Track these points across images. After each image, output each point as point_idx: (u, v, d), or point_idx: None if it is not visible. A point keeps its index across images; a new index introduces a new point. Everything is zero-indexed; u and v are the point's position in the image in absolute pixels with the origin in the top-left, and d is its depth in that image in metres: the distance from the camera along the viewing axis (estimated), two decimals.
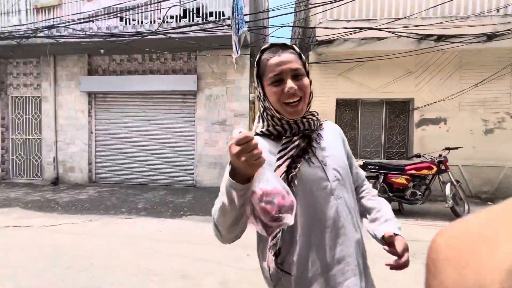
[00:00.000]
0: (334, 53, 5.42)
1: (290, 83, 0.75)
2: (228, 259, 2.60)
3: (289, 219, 0.61)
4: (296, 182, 0.74)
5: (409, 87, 5.41)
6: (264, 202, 0.60)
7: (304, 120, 0.79)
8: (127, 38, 5.17)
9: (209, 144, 5.84)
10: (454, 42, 4.71)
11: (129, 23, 5.48)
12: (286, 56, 0.76)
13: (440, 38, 4.69)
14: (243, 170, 0.61)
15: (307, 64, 0.81)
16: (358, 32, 4.70)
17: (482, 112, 5.27)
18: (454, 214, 3.90)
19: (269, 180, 0.62)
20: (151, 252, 2.73)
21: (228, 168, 0.65)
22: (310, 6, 5.42)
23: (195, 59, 5.91)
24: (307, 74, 0.80)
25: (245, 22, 4.42)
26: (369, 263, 0.83)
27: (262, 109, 0.84)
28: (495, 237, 0.19)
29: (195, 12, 5.34)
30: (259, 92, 0.82)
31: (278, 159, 0.75)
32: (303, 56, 0.81)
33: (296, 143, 0.77)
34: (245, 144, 0.60)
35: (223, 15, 5.24)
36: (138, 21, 5.43)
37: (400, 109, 5.62)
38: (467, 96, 5.24)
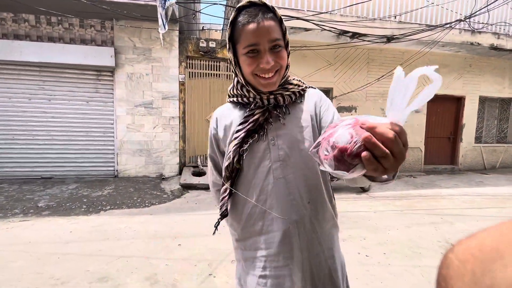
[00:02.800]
0: None
1: (267, 58, 0.69)
2: (156, 252, 2.43)
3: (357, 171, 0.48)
4: (244, 157, 0.77)
5: (329, 78, 6.04)
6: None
7: (271, 96, 0.76)
8: None
9: (133, 129, 5.22)
10: (364, 40, 5.44)
11: None
12: (266, 23, 0.67)
13: (354, 35, 5.33)
14: None
15: (287, 33, 0.73)
16: (287, 20, 4.87)
17: (381, 102, 6.37)
18: (360, 187, 4.68)
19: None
20: (56, 258, 2.29)
21: None
22: None
23: (111, 29, 5.04)
24: (286, 44, 0.73)
25: None
26: None
27: (234, 75, 0.81)
28: (509, 254, 0.19)
29: None
30: (230, 58, 0.76)
31: (237, 131, 0.77)
32: (284, 23, 0.72)
33: (256, 117, 0.76)
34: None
35: None
36: None
37: None
38: (372, 89, 6.22)
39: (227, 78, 5.67)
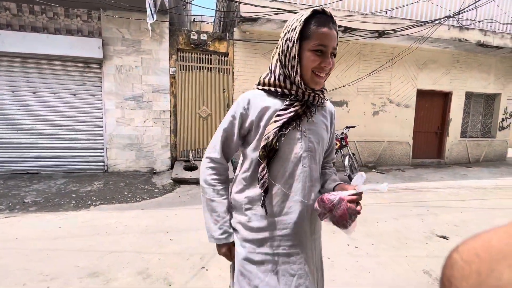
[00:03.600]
0: (258, 33, 5.47)
1: (330, 61, 0.82)
2: (148, 246, 2.43)
3: (353, 229, 0.84)
4: (282, 140, 0.84)
5: None
6: (343, 217, 0.81)
7: (312, 94, 0.86)
8: None
9: (123, 123, 5.12)
10: (355, 35, 5.47)
11: None
12: (334, 33, 0.81)
13: (346, 29, 5.34)
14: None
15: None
16: (279, 13, 4.84)
17: (372, 97, 6.46)
18: (350, 180, 4.77)
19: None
20: (45, 254, 2.26)
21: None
22: None
23: (98, 19, 4.88)
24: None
25: None
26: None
27: (275, 66, 0.88)
28: None
29: None
30: (295, 49, 0.81)
31: (277, 115, 0.84)
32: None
33: (296, 108, 0.85)
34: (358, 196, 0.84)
35: None
36: None
37: None
38: (362, 84, 6.28)
39: (219, 71, 5.61)
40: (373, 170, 6.16)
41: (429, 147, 7.22)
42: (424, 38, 5.60)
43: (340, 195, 0.81)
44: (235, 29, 5.44)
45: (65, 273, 2.00)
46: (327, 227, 2.90)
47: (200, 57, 5.51)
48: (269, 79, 0.89)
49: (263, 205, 0.86)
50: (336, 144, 4.86)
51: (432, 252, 2.44)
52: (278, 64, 0.87)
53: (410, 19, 5.52)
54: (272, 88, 0.88)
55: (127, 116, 5.13)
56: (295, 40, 0.80)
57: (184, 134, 5.56)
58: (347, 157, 4.81)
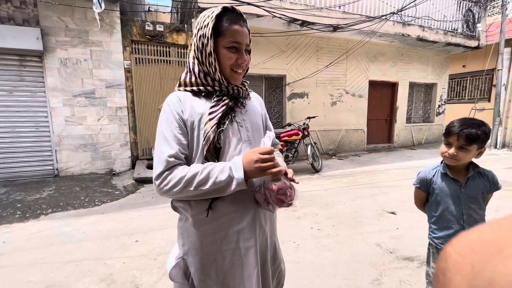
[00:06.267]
0: None
1: (246, 57, 0.86)
2: (110, 251, 2.32)
3: (297, 203, 0.86)
4: (222, 137, 0.84)
5: (282, 65, 6.21)
6: (279, 194, 0.82)
7: (235, 88, 0.89)
8: None
9: (73, 122, 4.68)
10: (312, 29, 5.69)
11: None
12: (245, 30, 0.85)
13: (303, 23, 5.52)
14: (253, 174, 0.78)
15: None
16: (239, 5, 4.80)
17: (330, 88, 6.83)
18: (313, 168, 5.05)
19: (280, 179, 0.83)
20: None
21: (231, 164, 0.78)
22: None
23: (34, 5, 4.31)
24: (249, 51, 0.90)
25: None
26: None
27: (193, 64, 0.87)
28: (508, 247, 0.19)
29: None
30: (210, 46, 0.81)
31: (210, 113, 0.83)
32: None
33: (226, 101, 0.86)
34: (269, 157, 0.77)
35: None
36: None
37: (276, 84, 6.41)
38: (321, 76, 6.60)
39: (178, 64, 5.40)
40: (333, 157, 6.59)
41: (381, 133, 7.94)
42: (373, 33, 6.06)
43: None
44: (193, 20, 5.26)
45: None
46: (292, 214, 3.04)
47: (157, 50, 5.23)
48: (190, 78, 0.87)
49: (212, 206, 0.84)
50: (299, 134, 5.09)
51: (383, 227, 2.74)
52: (196, 61, 0.86)
53: (360, 15, 5.91)
54: (195, 88, 0.87)
55: (77, 114, 4.69)
56: (209, 36, 0.80)
57: (145, 131, 5.30)
58: (309, 146, 5.07)
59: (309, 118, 5.33)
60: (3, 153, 4.44)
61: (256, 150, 0.78)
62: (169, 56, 5.33)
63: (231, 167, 0.78)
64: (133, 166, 5.11)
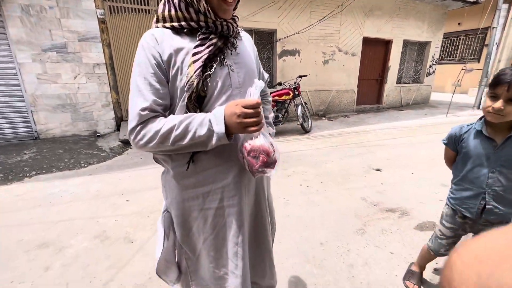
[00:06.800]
0: None
1: None
2: (101, 211, 2.32)
3: (270, 173, 0.73)
4: (208, 83, 0.73)
5: (273, 18, 5.75)
6: (250, 156, 0.71)
7: (224, 23, 0.74)
8: None
9: (47, 80, 4.31)
10: None
11: None
12: None
13: None
14: (234, 129, 0.68)
15: None
16: None
17: (323, 45, 6.51)
18: (303, 129, 5.05)
19: (258, 138, 0.71)
20: None
21: (211, 116, 0.69)
22: None
23: None
24: None
25: None
26: None
27: None
28: None
29: None
30: None
31: (194, 54, 0.70)
32: None
33: (214, 41, 0.73)
34: (254, 111, 0.66)
35: None
36: None
37: (266, 40, 6.02)
38: (314, 31, 6.22)
39: None
40: (322, 118, 6.59)
41: (370, 93, 7.90)
42: None
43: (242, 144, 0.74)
44: None
45: (7, 248, 1.82)
46: (282, 172, 3.09)
47: None
48: (169, 11, 0.73)
49: (194, 159, 0.78)
50: (289, 94, 4.95)
51: (369, 183, 2.86)
52: None
53: None
54: (176, 24, 0.72)
55: (50, 71, 4.30)
56: None
57: (127, 91, 4.97)
58: (300, 106, 4.99)
59: (300, 76, 5.15)
60: None
61: (239, 103, 0.67)
62: (148, 5, 4.78)
63: (211, 120, 0.68)
64: (118, 127, 4.92)
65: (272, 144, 0.75)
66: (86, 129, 4.71)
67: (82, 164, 3.48)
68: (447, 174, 1.36)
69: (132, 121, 0.71)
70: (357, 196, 2.56)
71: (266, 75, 1.02)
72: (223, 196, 0.81)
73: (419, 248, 1.80)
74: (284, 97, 4.95)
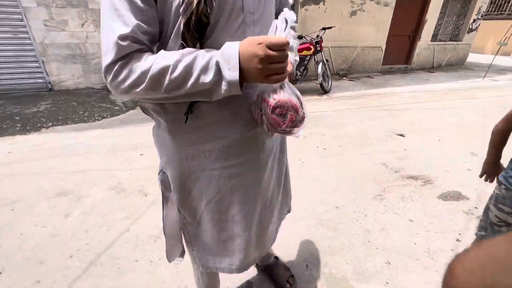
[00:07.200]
0: None
1: None
2: (116, 164, 2.33)
3: (298, 133, 0.61)
4: (214, 3, 0.53)
5: None
6: (275, 114, 0.57)
7: None
8: None
9: (54, 27, 4.10)
10: None
11: None
12: None
13: None
14: (252, 77, 0.52)
15: None
16: None
17: None
18: (322, 89, 4.73)
19: (283, 89, 0.58)
20: None
21: (219, 56, 0.51)
22: None
23: None
24: None
25: None
26: None
27: None
28: None
29: None
30: None
31: None
32: None
33: None
34: (281, 53, 0.50)
35: None
36: None
37: None
38: None
39: None
40: (344, 78, 6.13)
41: (399, 52, 7.16)
42: None
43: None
44: None
45: (29, 195, 1.89)
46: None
47: None
48: None
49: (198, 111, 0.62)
50: (310, 49, 4.53)
51: (390, 148, 2.69)
52: None
53: None
54: None
55: (56, 17, 4.06)
56: None
57: None
58: (321, 63, 4.58)
59: (324, 29, 4.62)
60: None
61: (263, 41, 0.49)
62: None
63: (219, 62, 0.51)
64: None
65: (298, 96, 0.60)
66: (99, 82, 4.62)
67: (96, 117, 3.47)
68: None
69: (107, 54, 0.50)
70: (377, 161, 2.42)
71: (290, 10, 0.77)
72: (229, 155, 0.67)
73: (441, 218, 1.71)
74: (304, 52, 4.53)
